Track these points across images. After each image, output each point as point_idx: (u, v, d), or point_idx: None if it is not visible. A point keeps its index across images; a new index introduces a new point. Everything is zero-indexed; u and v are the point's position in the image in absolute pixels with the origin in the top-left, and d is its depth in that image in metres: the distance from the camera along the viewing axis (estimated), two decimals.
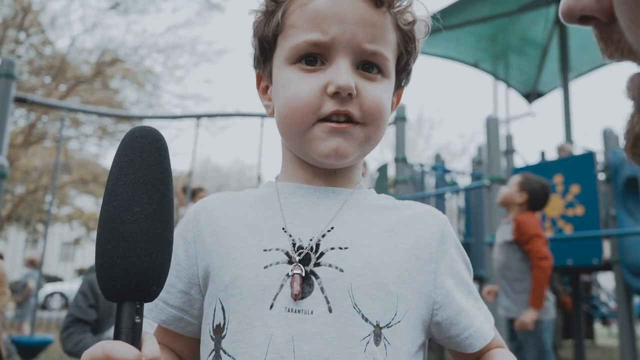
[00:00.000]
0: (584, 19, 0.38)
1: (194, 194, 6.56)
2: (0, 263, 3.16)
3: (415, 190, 7.88)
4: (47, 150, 16.38)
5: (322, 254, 0.72)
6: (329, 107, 0.72)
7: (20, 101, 6.27)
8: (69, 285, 18.72)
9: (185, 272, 0.79)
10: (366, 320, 0.69)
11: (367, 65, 0.75)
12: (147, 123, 16.36)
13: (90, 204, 20.43)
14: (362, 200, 0.81)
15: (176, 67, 19.38)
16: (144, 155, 0.59)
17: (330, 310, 0.69)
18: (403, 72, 0.83)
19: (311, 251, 0.72)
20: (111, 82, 15.69)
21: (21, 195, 15.93)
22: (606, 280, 13.18)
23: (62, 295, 18.02)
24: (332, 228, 0.75)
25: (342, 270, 0.71)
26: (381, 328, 0.70)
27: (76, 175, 17.63)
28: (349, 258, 0.72)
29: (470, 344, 0.77)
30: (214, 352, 0.72)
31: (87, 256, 25.27)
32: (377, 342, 0.69)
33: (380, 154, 23.71)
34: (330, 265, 0.71)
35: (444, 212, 7.83)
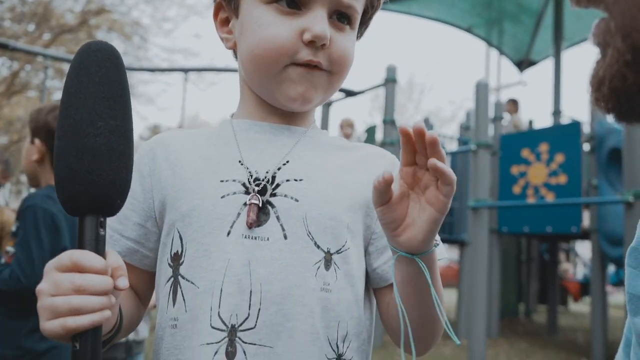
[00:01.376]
0: None
1: None
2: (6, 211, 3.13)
3: None
4: (30, 101, 16.07)
5: (277, 185, 0.75)
6: (304, 55, 0.73)
7: (2, 47, 6.11)
8: None
9: (141, 206, 0.79)
10: (318, 247, 0.73)
11: (339, 16, 0.76)
12: (134, 75, 15.86)
13: None
14: (317, 139, 0.83)
15: (165, 19, 18.91)
16: (103, 70, 0.58)
17: (285, 237, 0.72)
18: (363, 25, 0.85)
19: (267, 182, 0.75)
20: (97, 33, 15.29)
21: (4, 145, 15.71)
22: (583, 249, 13.53)
23: None
24: (287, 162, 0.77)
25: (297, 200, 0.74)
26: (332, 254, 0.74)
27: None
28: (305, 189, 0.75)
29: (386, 276, 0.80)
30: (172, 279, 0.74)
31: None
32: (327, 267, 0.73)
33: (370, 117, 23.66)
34: (285, 196, 0.74)
35: None
